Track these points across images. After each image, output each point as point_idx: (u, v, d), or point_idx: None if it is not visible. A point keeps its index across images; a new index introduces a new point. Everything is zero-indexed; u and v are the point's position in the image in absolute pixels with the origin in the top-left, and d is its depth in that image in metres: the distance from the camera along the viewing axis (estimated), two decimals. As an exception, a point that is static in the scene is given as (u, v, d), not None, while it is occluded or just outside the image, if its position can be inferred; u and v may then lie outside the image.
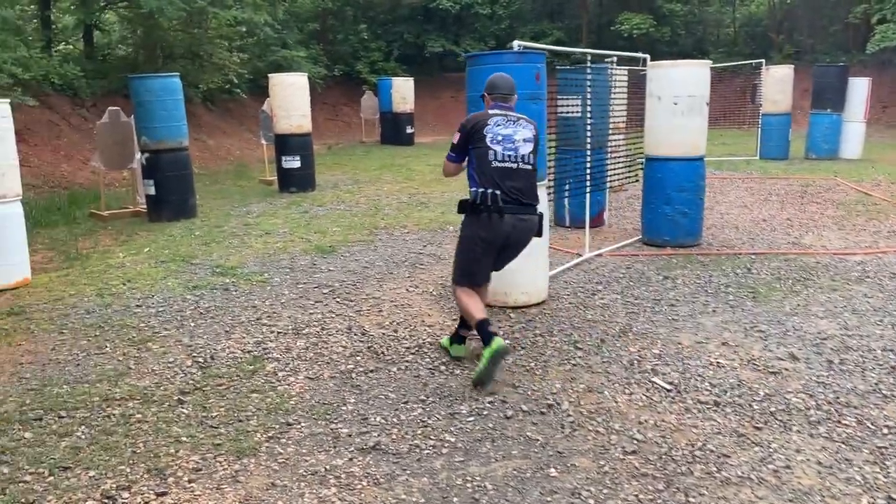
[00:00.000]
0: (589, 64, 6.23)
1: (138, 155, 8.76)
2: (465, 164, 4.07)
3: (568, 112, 6.69)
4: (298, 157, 10.81)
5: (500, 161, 3.88)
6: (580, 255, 6.50)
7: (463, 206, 3.95)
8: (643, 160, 7.09)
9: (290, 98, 10.57)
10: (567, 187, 6.53)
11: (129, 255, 6.93)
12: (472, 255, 3.98)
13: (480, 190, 3.86)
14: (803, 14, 24.69)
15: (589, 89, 6.41)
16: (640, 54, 7.04)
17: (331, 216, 8.92)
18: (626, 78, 7.48)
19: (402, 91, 19.19)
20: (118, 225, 8.52)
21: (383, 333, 4.59)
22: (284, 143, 10.78)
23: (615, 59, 6.79)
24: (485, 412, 3.47)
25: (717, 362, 4.03)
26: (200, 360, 4.20)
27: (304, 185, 10.99)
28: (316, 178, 11.36)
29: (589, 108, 6.46)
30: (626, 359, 4.10)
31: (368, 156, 17.00)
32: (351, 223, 8.42)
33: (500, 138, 3.91)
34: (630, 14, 24.20)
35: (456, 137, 4.04)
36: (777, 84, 14.17)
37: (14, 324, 4.94)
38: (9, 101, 5.87)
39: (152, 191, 8.55)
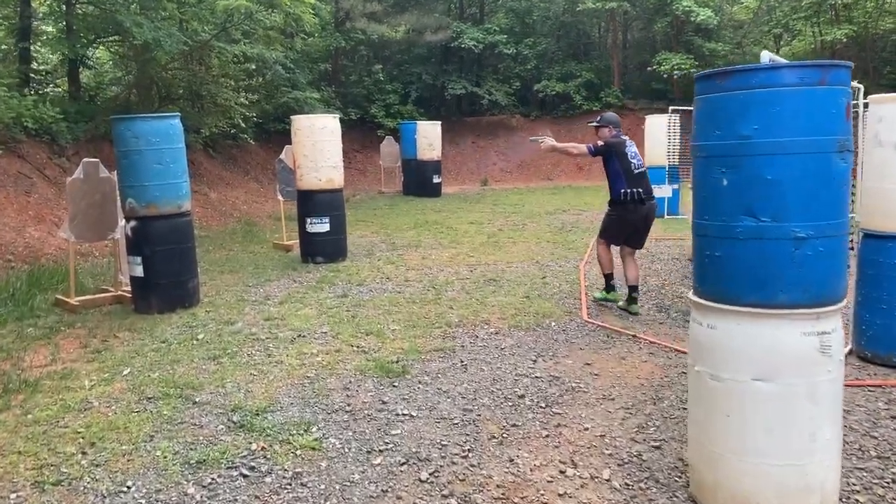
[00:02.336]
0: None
1: (122, 222, 6.51)
2: (591, 158, 6.18)
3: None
4: (327, 219, 8.54)
5: (636, 169, 6.04)
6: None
7: (614, 201, 6.09)
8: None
9: (319, 145, 8.34)
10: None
11: (100, 381, 4.60)
12: (617, 230, 6.16)
13: (629, 190, 5.97)
14: (853, 55, 22.86)
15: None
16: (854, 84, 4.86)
17: (379, 303, 6.63)
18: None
19: (429, 136, 17.06)
20: (92, 319, 6.20)
21: None
22: (310, 202, 8.52)
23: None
24: None
25: None
26: None
27: (335, 253, 8.72)
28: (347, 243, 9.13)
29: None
30: None
31: (394, 210, 14.80)
32: (411, 316, 6.13)
33: (632, 154, 6.07)
34: (669, 54, 22.34)
35: (599, 143, 6.09)
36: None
37: None
38: None
39: (140, 271, 6.26)
